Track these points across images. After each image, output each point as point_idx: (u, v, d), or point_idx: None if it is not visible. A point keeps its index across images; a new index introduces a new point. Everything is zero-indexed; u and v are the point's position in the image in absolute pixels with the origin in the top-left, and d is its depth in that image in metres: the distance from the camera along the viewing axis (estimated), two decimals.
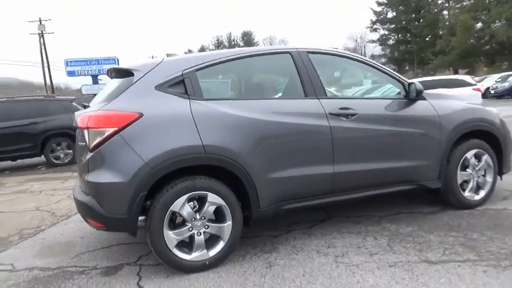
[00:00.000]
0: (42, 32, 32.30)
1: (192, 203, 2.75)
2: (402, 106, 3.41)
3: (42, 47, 32.29)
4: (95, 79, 27.10)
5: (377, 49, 60.06)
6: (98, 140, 2.59)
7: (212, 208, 2.76)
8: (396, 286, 2.38)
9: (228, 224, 2.81)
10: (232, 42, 69.41)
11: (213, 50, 68.97)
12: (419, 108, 3.46)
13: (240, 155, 2.78)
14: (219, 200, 2.77)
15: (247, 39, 69.44)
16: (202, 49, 68.75)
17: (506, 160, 3.84)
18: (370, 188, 3.33)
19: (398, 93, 3.53)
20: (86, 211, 2.71)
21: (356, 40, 65.22)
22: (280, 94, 3.33)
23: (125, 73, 2.89)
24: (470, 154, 3.63)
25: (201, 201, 2.75)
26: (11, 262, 3.25)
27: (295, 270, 2.69)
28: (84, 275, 2.88)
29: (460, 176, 3.60)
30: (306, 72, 3.15)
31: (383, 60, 57.90)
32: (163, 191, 2.65)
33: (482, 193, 3.75)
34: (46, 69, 33.13)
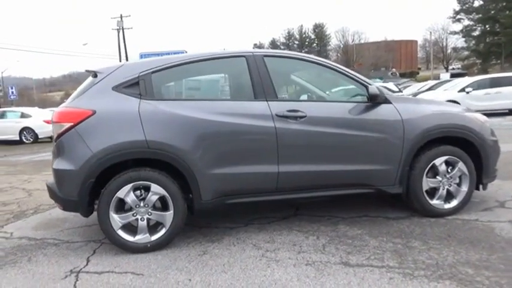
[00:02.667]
0: (121, 27, 35.20)
1: (138, 191, 3.10)
2: (360, 109, 3.40)
3: (121, 41, 35.16)
4: None
5: (460, 41, 55.58)
6: (58, 132, 3.05)
7: (155, 197, 3.09)
8: (296, 282, 2.50)
9: (169, 213, 3.11)
10: (304, 35, 68.93)
11: (283, 43, 69.24)
12: (381, 112, 3.42)
13: (182, 150, 3.06)
14: (162, 191, 3.08)
15: (319, 31, 68.49)
16: (273, 42, 69.34)
17: (487, 169, 3.63)
18: (320, 189, 3.40)
19: (361, 96, 3.52)
20: (50, 194, 3.20)
21: (437, 31, 60.88)
22: (230, 96, 3.52)
23: (94, 74, 3.31)
24: (439, 161, 3.50)
25: (147, 190, 3.09)
26: (12, 231, 3.90)
27: (221, 259, 2.92)
28: (55, 246, 3.40)
29: (426, 182, 3.50)
30: (258, 75, 3.30)
31: (466, 53, 53.47)
32: (112, 179, 3.03)
33: (454, 202, 3.60)
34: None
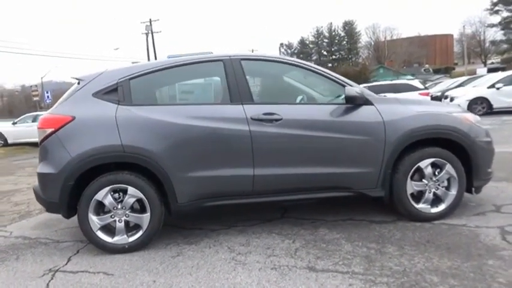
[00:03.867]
0: (149, 31, 36.13)
1: (117, 194, 3.20)
2: (339, 111, 3.35)
3: (151, 45, 36.07)
4: None
5: (498, 34, 52.90)
6: (41, 137, 3.20)
7: (132, 200, 3.18)
8: (254, 286, 2.51)
9: (146, 215, 3.19)
10: (333, 33, 67.92)
11: (312, 41, 68.59)
12: (361, 113, 3.36)
13: (157, 154, 3.13)
14: (138, 193, 3.17)
15: (349, 28, 67.29)
16: (302, 41, 68.82)
17: (478, 172, 3.47)
18: (299, 192, 3.37)
19: (341, 97, 3.46)
20: (36, 196, 3.36)
21: (473, 25, 58.28)
22: (207, 100, 3.56)
23: (78, 82, 3.44)
24: (425, 163, 3.38)
25: (124, 193, 3.19)
26: (12, 230, 4.13)
27: (192, 262, 2.97)
28: (44, 246, 3.57)
29: (411, 186, 3.40)
30: (234, 78, 3.33)
31: (505, 46, 50.88)
32: (92, 182, 3.15)
33: (442, 206, 3.47)
34: None
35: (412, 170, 3.39)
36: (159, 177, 3.16)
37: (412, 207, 3.42)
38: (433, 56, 65.03)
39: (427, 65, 54.20)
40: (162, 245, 3.34)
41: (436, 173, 3.44)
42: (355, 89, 3.31)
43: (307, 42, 68.56)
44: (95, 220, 3.16)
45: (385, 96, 3.81)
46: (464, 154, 3.45)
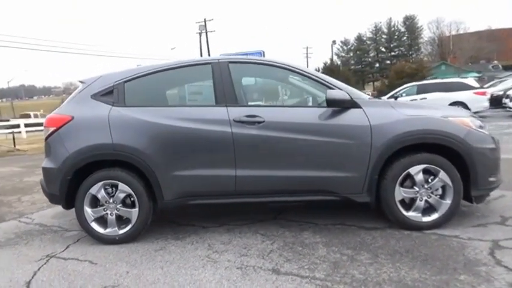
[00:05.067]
0: (202, 31, 37.21)
1: (110, 189, 3.44)
2: (325, 114, 3.31)
3: (204, 44, 37.15)
4: None
5: None
6: (46, 135, 3.53)
7: (122, 195, 3.40)
8: (212, 284, 2.59)
9: (135, 210, 3.40)
10: (392, 29, 65.11)
11: (370, 37, 66.32)
12: (347, 117, 3.29)
13: (144, 153, 3.32)
14: (128, 189, 3.38)
15: (410, 24, 64.11)
16: (359, 37, 66.84)
17: (476, 180, 3.26)
18: (282, 194, 3.39)
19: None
20: (42, 189, 3.69)
21: None
22: (194, 102, 3.67)
23: (81, 83, 3.73)
24: (415, 170, 3.24)
25: (116, 188, 3.42)
26: (35, 218, 4.57)
27: (169, 256, 3.12)
28: (54, 233, 3.93)
29: (399, 192, 3.28)
30: (221, 81, 3.42)
31: None
32: (88, 177, 3.42)
33: (435, 215, 3.31)
34: None
35: (402, 176, 3.26)
36: (146, 174, 3.35)
37: (401, 215, 3.30)
38: (504, 52, 59.83)
39: (495, 62, 50.04)
40: (152, 239, 3.53)
41: (429, 180, 3.28)
42: (338, 92, 3.24)
43: (365, 38, 66.44)
44: (89, 212, 3.42)
45: (380, 99, 3.67)
46: (461, 161, 3.25)
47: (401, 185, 3.30)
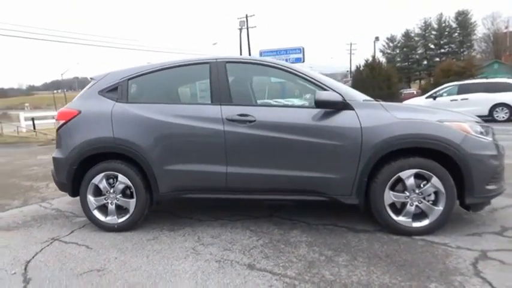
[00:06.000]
0: (243, 27, 37.50)
1: (111, 180, 3.67)
2: (317, 115, 3.32)
3: (245, 40, 37.43)
4: None
5: None
6: (58, 127, 3.81)
7: (121, 186, 3.61)
8: (186, 274, 2.71)
9: (133, 201, 3.61)
10: (443, 24, 61.99)
11: (419, 33, 63.59)
12: (339, 118, 3.29)
13: (142, 147, 3.51)
14: (127, 181, 3.59)
15: (462, 19, 60.65)
16: (406, 34, 64.29)
17: (471, 188, 3.15)
18: (272, 192, 3.45)
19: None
20: (53, 178, 3.98)
21: None
22: (192, 100, 3.79)
23: (91, 80, 3.98)
24: (406, 174, 3.19)
25: (116, 179, 3.64)
26: (54, 203, 4.93)
27: (158, 246, 3.28)
28: (65, 218, 4.24)
29: (389, 196, 3.24)
30: (217, 80, 3.53)
31: None
32: (92, 168, 3.67)
33: (426, 221, 3.24)
34: None
35: (392, 179, 3.22)
36: (143, 167, 3.54)
37: (390, 219, 3.26)
38: None
39: None
40: (148, 229, 3.73)
41: (421, 186, 3.21)
42: (328, 93, 3.24)
43: (413, 34, 63.71)
44: (92, 201, 3.67)
45: (377, 101, 3.62)
46: (457, 167, 3.15)
47: (392, 188, 3.25)
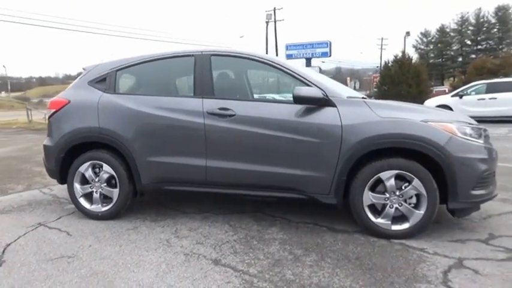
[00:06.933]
0: (269, 20, 37.25)
1: (97, 169, 3.74)
2: (298, 111, 3.24)
3: (271, 33, 37.20)
4: (308, 62, 28.75)
5: None
6: (49, 115, 3.92)
7: (106, 175, 3.68)
8: (151, 265, 2.73)
9: (116, 190, 3.67)
10: (481, 20, 59.30)
11: (455, 29, 61.20)
12: (319, 115, 3.20)
13: (125, 138, 3.55)
14: (111, 170, 3.65)
15: (502, 14, 57.75)
16: (441, 29, 61.98)
17: (454, 192, 3.00)
18: (251, 188, 3.41)
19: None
20: (44, 164, 4.09)
21: None
22: (175, 92, 3.78)
23: (83, 70, 4.05)
24: (386, 175, 3.08)
25: (101, 169, 3.71)
26: (55, 189, 5.09)
27: (134, 236, 3.32)
28: (58, 204, 4.37)
29: (369, 197, 3.14)
30: (201, 73, 3.51)
31: None
32: (79, 157, 3.75)
33: (405, 225, 3.12)
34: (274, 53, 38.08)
35: (372, 180, 3.11)
36: (126, 158, 3.58)
37: (369, 221, 3.16)
38: None
39: None
40: (132, 218, 3.78)
41: (403, 188, 3.09)
42: (307, 89, 3.16)
43: (448, 30, 61.26)
44: (78, 188, 3.76)
45: (364, 98, 3.50)
46: (440, 170, 3.02)
47: (373, 189, 3.15)
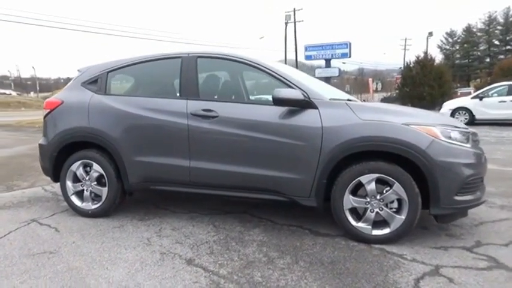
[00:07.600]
0: (288, 21, 37.13)
1: (88, 168, 3.84)
2: (280, 114, 3.23)
3: (291, 34, 37.08)
4: (328, 63, 28.41)
5: None
6: (44, 115, 4.05)
7: (96, 174, 3.77)
8: (127, 263, 2.78)
9: (105, 189, 3.75)
10: (510, 19, 57.26)
11: (482, 29, 59.33)
12: (301, 117, 3.18)
13: (114, 138, 3.63)
14: (100, 169, 3.74)
15: None
16: (468, 29, 60.22)
17: (436, 198, 2.93)
18: (233, 189, 3.42)
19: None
20: (39, 162, 4.23)
21: None
22: (162, 94, 3.82)
23: (78, 72, 4.17)
24: (366, 178, 3.03)
25: (91, 168, 3.80)
26: (55, 187, 5.23)
27: (119, 234, 3.39)
28: (55, 201, 4.50)
29: (349, 201, 3.10)
30: (187, 75, 3.56)
31: None
32: (71, 156, 3.86)
33: (386, 230, 3.06)
34: (293, 54, 37.98)
35: (352, 183, 3.07)
36: (114, 157, 3.66)
37: (349, 225, 3.12)
38: None
39: None
40: (121, 216, 3.86)
41: (384, 192, 3.03)
42: (286, 91, 3.14)
43: (475, 30, 59.45)
44: (70, 186, 3.87)
45: (348, 100, 3.45)
46: (422, 174, 2.95)
47: (354, 193, 3.11)
